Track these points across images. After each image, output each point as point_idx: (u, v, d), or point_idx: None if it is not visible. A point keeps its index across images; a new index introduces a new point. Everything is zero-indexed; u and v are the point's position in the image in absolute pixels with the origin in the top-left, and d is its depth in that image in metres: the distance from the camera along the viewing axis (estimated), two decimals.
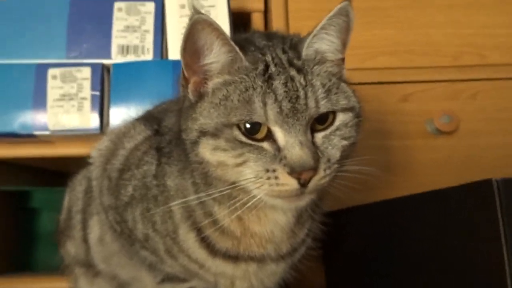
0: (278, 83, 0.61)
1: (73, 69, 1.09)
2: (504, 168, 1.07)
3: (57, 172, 1.21)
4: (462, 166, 1.11)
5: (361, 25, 1.12)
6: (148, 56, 1.12)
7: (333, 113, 0.64)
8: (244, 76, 0.62)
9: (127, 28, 1.12)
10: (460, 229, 0.61)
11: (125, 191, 0.75)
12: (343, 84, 0.66)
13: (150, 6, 1.14)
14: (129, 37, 1.12)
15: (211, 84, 0.65)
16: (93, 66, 1.09)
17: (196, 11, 0.60)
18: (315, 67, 0.64)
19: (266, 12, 1.21)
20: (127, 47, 1.12)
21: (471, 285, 0.58)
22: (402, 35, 1.18)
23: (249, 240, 0.71)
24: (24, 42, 1.12)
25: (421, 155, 1.12)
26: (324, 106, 0.62)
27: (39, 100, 1.07)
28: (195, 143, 0.64)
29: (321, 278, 1.03)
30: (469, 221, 0.59)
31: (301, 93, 0.61)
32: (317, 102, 0.62)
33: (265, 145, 0.61)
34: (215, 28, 0.61)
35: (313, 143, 0.62)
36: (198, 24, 0.61)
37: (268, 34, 0.72)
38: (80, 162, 0.90)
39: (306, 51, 0.65)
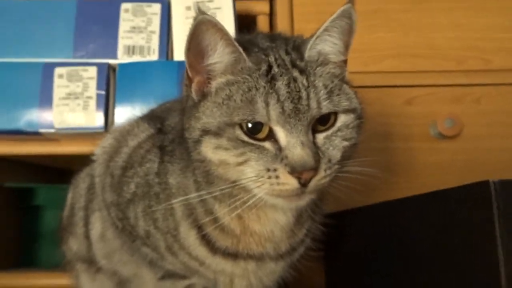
0: (280, 84, 0.61)
1: (79, 68, 1.10)
2: (507, 172, 1.07)
3: (61, 170, 1.22)
4: (465, 169, 1.11)
5: (365, 28, 1.13)
6: (154, 56, 1.13)
7: (335, 114, 0.64)
8: (247, 77, 0.63)
9: (133, 29, 1.13)
10: (459, 229, 0.61)
11: (128, 188, 0.76)
12: (345, 86, 0.66)
13: (156, 8, 1.15)
14: (135, 38, 1.13)
15: (214, 84, 0.65)
16: (99, 65, 1.11)
17: (200, 12, 0.60)
18: (317, 69, 0.65)
19: (272, 15, 1.22)
20: (133, 47, 1.13)
21: (470, 284, 0.59)
22: (406, 39, 1.18)
23: (248, 238, 0.71)
24: (31, 42, 1.13)
25: (424, 157, 1.12)
26: (326, 107, 0.63)
27: (45, 99, 1.08)
28: (198, 141, 0.64)
29: (321, 278, 1.03)
30: (468, 221, 0.59)
31: (304, 94, 0.61)
32: (319, 103, 0.62)
33: (267, 144, 0.62)
34: (219, 29, 0.62)
35: (314, 143, 0.62)
36: (202, 25, 0.61)
37: (272, 36, 0.73)
38: (85, 160, 0.90)
39: (309, 52, 0.65)
